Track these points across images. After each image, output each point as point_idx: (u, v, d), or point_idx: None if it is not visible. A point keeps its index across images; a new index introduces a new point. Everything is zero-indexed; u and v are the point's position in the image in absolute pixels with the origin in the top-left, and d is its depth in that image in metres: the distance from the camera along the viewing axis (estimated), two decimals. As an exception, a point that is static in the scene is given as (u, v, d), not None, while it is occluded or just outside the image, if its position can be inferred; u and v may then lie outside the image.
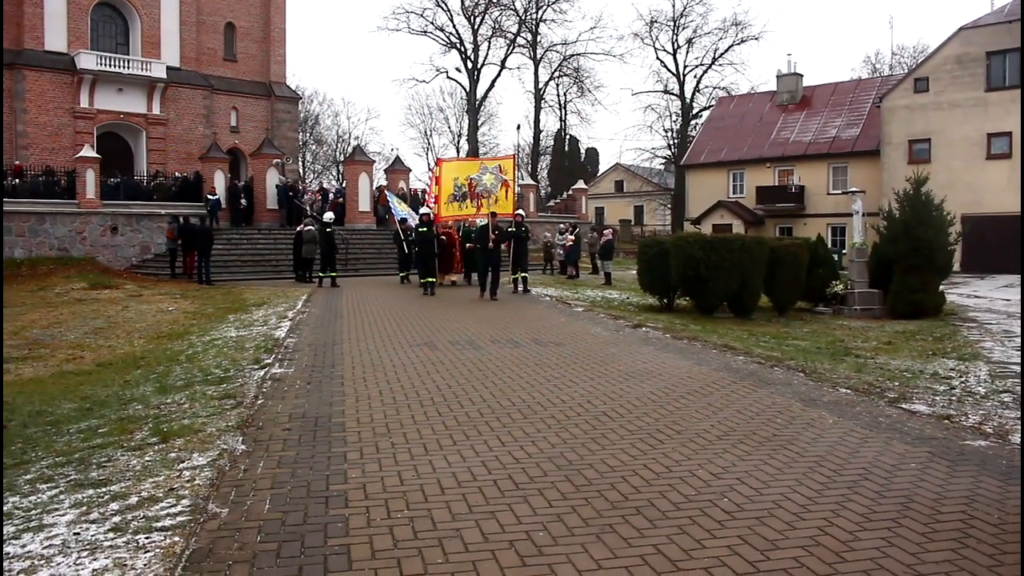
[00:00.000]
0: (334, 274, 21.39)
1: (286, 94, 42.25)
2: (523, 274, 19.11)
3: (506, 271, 19.11)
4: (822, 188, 39.15)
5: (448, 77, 58.40)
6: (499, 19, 55.26)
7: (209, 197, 27.23)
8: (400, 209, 23.67)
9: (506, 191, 19.82)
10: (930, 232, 16.93)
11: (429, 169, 67.58)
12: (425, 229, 19.03)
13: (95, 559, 3.91)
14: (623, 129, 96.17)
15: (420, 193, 32.84)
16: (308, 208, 29.05)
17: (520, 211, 20.42)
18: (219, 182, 28.26)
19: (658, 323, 13.37)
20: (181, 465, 5.41)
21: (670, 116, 57.76)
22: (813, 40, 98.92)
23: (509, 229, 18.66)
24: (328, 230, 21.66)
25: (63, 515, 4.60)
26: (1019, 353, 11.28)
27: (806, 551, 3.99)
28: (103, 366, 10.55)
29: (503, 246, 18.48)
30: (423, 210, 20.41)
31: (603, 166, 70.60)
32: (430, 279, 18.66)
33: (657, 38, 57.89)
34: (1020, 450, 5.85)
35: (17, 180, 26.21)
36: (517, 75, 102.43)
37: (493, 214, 18.70)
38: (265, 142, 32.78)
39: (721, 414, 6.82)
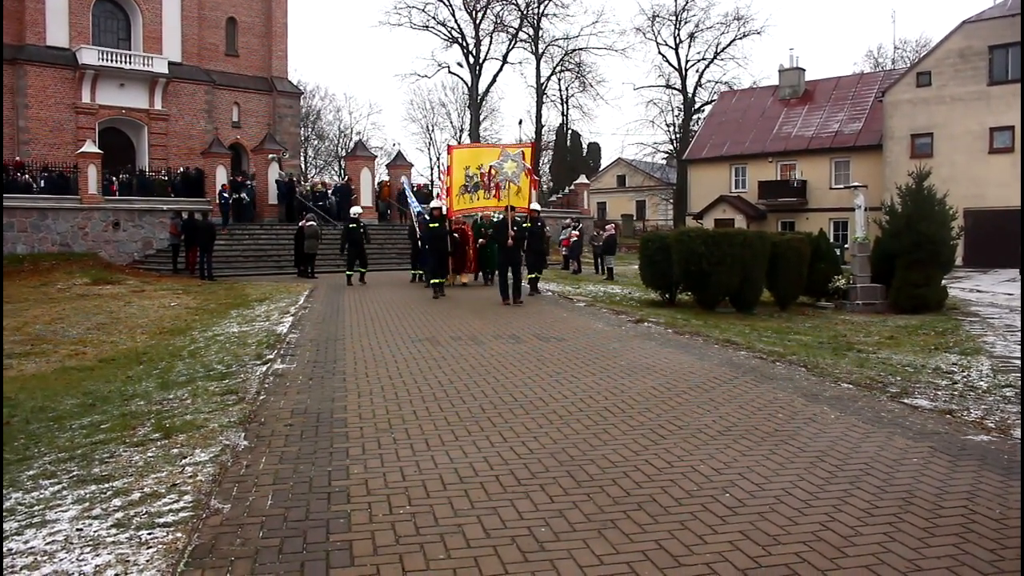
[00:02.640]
0: (350, 272, 20.55)
1: (288, 89, 42.21)
2: (535, 274, 17.58)
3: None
4: (824, 182, 39.08)
5: (450, 72, 58.42)
6: (501, 14, 55.21)
7: (224, 196, 27.03)
8: (416, 201, 22.48)
9: (529, 180, 17.63)
10: (932, 227, 16.90)
11: (435, 162, 67.65)
12: (437, 225, 17.16)
13: (98, 555, 3.91)
14: (625, 124, 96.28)
15: (424, 188, 32.83)
16: (310, 203, 28.99)
17: (536, 205, 18.12)
18: (221, 177, 28.21)
19: (660, 318, 13.36)
20: (183, 461, 5.42)
21: (672, 111, 57.82)
22: (815, 34, 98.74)
23: (524, 224, 16.40)
24: (352, 225, 20.77)
25: (66, 511, 4.61)
26: (1021, 347, 11.26)
27: (808, 546, 4.00)
28: (105, 362, 10.56)
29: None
30: (434, 203, 18.63)
31: (605, 161, 70.63)
32: (440, 280, 16.96)
33: (659, 32, 58.08)
34: (1021, 445, 5.84)
35: (27, 175, 26.31)
36: (519, 70, 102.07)
37: (511, 207, 16.65)
38: (267, 137, 32.76)
39: (723, 409, 6.82)
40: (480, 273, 20.50)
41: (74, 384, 9.01)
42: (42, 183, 26.20)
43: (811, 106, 42.23)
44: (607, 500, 4.64)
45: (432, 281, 17.14)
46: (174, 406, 7.22)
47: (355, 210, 21.97)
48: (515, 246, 15.71)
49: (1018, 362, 10.05)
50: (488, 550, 3.94)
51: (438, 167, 66.53)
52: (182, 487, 4.87)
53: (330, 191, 31.37)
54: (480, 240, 19.57)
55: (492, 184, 17.51)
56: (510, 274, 15.57)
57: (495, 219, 18.91)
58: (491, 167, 17.27)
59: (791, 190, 39.93)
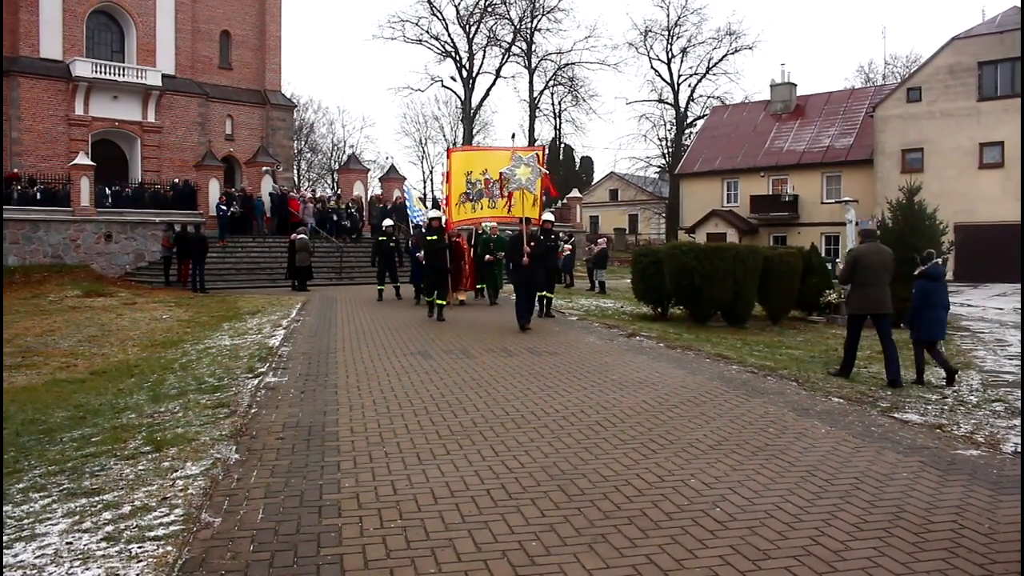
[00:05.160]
0: (381, 286, 19.95)
1: (281, 102, 42.28)
2: (548, 294, 15.72)
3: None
4: (816, 197, 39.28)
5: (443, 86, 58.57)
6: (494, 28, 55.53)
7: (222, 208, 26.83)
8: (418, 211, 21.13)
9: (543, 188, 14.89)
10: (923, 241, 16.95)
11: (428, 175, 67.64)
12: (435, 237, 15.32)
13: (88, 568, 3.90)
14: (618, 138, 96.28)
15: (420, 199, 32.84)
16: (308, 217, 28.97)
17: (550, 215, 16.16)
18: (214, 190, 28.16)
19: (652, 332, 13.39)
20: (174, 474, 5.41)
21: (664, 125, 58.02)
22: (807, 50, 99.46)
23: (541, 238, 14.47)
24: (383, 238, 20.02)
25: (56, 524, 4.59)
26: (1012, 362, 11.32)
27: (798, 561, 4.01)
28: (97, 374, 10.53)
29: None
30: (432, 213, 16.99)
31: (598, 175, 70.84)
32: (440, 300, 15.07)
33: (651, 47, 58.00)
34: (1021, 458, 5.87)
35: (33, 187, 26.33)
36: (512, 84, 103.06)
37: (527, 219, 14.40)
38: (260, 150, 32.85)
39: (714, 423, 6.84)
40: (478, 290, 19.02)
41: (65, 397, 8.98)
42: (38, 195, 26.17)
43: (802, 121, 42.48)
44: (598, 514, 4.64)
45: (429, 301, 15.56)
46: (165, 419, 7.20)
47: (387, 223, 20.82)
48: (533, 264, 13.73)
49: (1008, 376, 10.10)
50: (479, 564, 3.94)
51: (431, 180, 66.73)
52: (173, 500, 4.86)
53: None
54: (488, 257, 18.00)
55: (502, 192, 14.85)
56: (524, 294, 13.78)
57: (497, 232, 18.31)
58: (501, 173, 14.58)
59: (783, 204, 40.11)
